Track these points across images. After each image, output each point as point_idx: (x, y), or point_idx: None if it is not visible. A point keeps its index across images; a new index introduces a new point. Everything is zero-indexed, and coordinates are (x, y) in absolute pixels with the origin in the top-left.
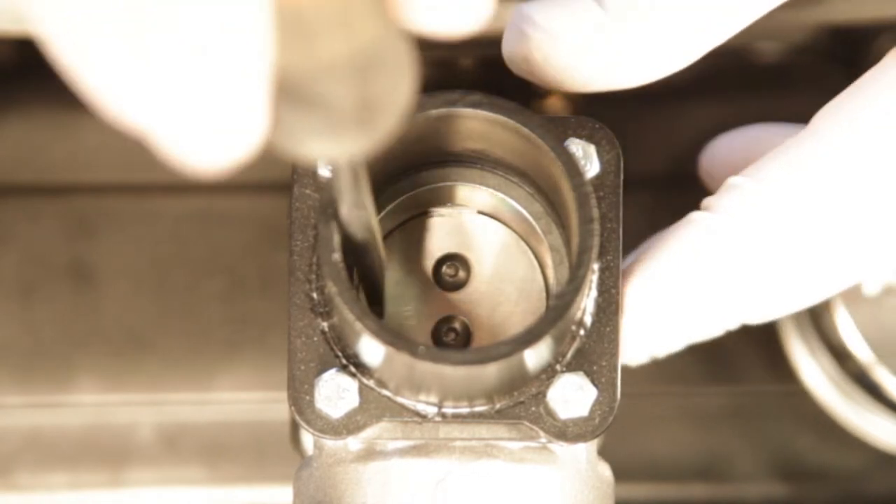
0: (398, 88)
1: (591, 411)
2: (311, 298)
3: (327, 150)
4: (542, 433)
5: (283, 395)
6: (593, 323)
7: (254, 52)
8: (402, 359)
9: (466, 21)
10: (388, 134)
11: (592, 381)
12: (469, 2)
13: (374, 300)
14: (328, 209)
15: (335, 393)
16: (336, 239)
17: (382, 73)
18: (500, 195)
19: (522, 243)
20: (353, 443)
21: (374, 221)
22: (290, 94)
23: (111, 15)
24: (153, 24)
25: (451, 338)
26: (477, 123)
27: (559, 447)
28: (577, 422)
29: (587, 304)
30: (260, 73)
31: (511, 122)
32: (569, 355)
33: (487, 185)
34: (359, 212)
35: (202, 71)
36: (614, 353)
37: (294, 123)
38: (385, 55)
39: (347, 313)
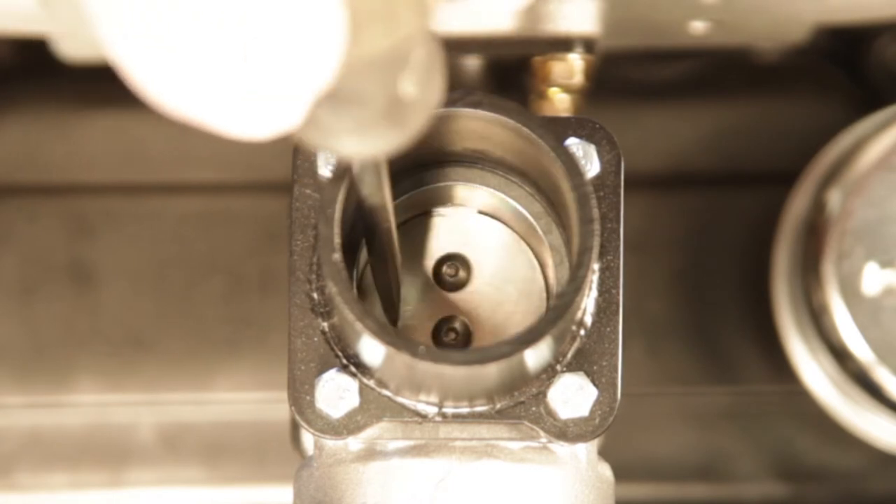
0: (430, 88)
1: (592, 411)
2: (312, 298)
3: (356, 148)
4: (542, 433)
5: (283, 395)
6: (594, 323)
7: (320, 47)
8: (403, 359)
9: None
10: (416, 133)
11: (593, 382)
12: None
13: (387, 304)
14: (328, 209)
15: (335, 393)
16: (336, 239)
17: (416, 71)
18: (500, 195)
19: (522, 243)
20: (354, 443)
21: (392, 216)
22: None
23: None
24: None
25: (452, 338)
26: (477, 123)
27: (559, 447)
28: (577, 422)
29: (588, 304)
30: (322, 66)
31: (511, 122)
32: (569, 355)
33: (487, 185)
34: (379, 207)
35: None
36: (615, 354)
37: (325, 118)
38: (419, 53)
39: (348, 313)
